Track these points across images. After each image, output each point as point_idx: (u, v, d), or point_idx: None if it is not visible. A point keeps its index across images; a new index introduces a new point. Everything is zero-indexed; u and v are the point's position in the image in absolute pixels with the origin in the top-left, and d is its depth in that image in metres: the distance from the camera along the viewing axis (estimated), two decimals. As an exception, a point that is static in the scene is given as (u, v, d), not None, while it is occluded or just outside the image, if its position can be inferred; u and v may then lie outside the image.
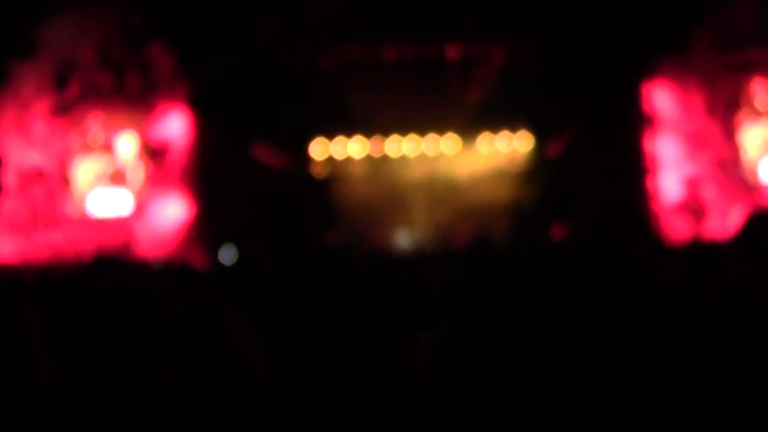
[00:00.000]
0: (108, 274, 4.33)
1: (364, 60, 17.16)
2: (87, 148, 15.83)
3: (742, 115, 15.35)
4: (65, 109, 15.70)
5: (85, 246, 15.07)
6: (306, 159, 18.78)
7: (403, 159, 19.11)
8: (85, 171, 15.81)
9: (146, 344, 3.53)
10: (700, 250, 4.63)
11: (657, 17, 14.26)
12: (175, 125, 15.86)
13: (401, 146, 18.95)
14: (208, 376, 3.16)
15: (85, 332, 3.88)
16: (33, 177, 15.62)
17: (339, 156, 18.98)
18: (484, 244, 7.14)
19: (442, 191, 19.02)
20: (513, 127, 18.47)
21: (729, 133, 15.42)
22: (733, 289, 3.14)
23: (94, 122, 15.82)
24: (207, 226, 15.77)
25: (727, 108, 15.41)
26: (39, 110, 15.61)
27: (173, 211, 15.77)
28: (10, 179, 15.52)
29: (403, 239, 17.80)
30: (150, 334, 3.54)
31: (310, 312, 4.45)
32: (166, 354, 3.25)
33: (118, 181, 15.85)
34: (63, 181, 15.73)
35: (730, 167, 15.35)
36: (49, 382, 3.24)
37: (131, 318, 3.67)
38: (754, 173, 15.21)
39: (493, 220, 17.43)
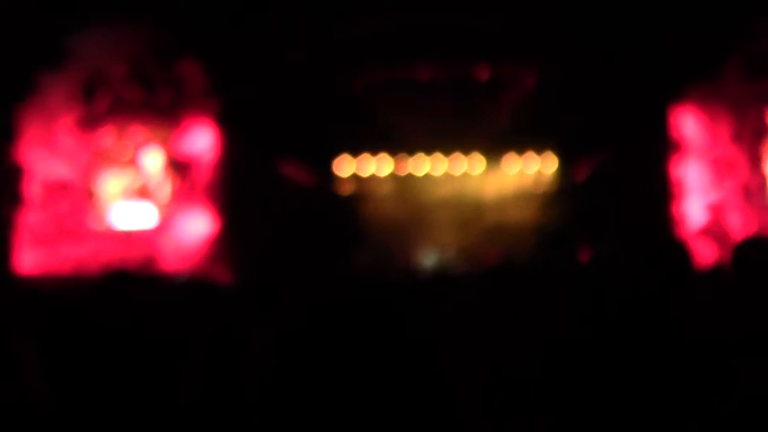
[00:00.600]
0: (127, 289, 4.33)
1: (393, 79, 17.11)
2: (113, 162, 15.85)
3: (768, 143, 15.11)
4: (92, 122, 15.71)
5: (110, 259, 14.83)
6: (332, 176, 18.77)
7: (428, 178, 19.07)
8: (110, 184, 15.84)
9: (167, 359, 3.73)
10: (721, 276, 4.69)
11: (686, 43, 14.20)
12: (202, 140, 15.81)
13: (427, 165, 18.95)
14: (229, 393, 3.30)
15: (103, 345, 3.98)
16: (58, 189, 15.62)
17: (364, 174, 18.97)
18: (509, 265, 7.08)
19: (467, 211, 18.92)
20: (539, 149, 18.48)
21: (755, 160, 15.25)
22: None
23: (121, 136, 15.85)
24: (232, 242, 15.67)
25: (754, 136, 15.24)
26: (66, 122, 15.62)
27: (198, 226, 15.69)
28: (35, 191, 15.49)
29: (428, 259, 17.62)
30: (171, 349, 3.76)
31: (332, 332, 4.22)
32: (188, 369, 3.42)
33: (144, 195, 15.86)
34: (88, 194, 15.74)
35: (754, 195, 15.19)
36: (41, 397, 3.24)
37: (151, 332, 3.92)
38: (780, 202, 14.94)
39: (518, 241, 17.39)
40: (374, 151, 18.94)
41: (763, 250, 3.59)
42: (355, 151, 18.85)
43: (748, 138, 15.29)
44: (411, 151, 18.93)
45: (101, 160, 15.84)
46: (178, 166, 15.86)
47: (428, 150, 18.89)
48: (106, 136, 15.82)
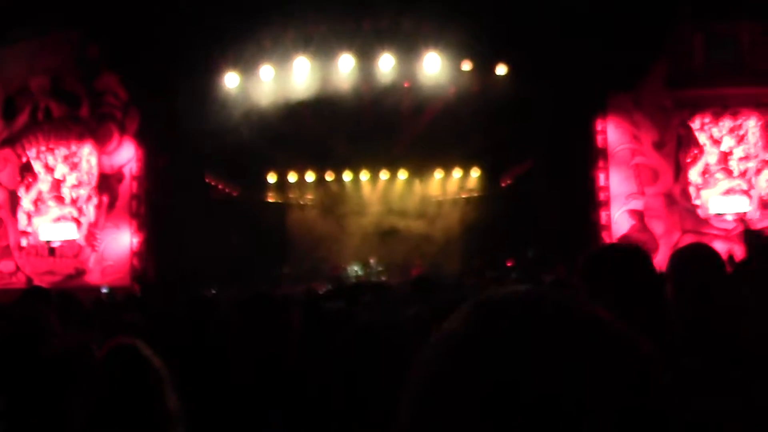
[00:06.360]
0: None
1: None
2: (36, 177, 15.80)
3: (690, 150, 15.52)
4: (15, 139, 15.69)
5: (36, 273, 15.17)
6: (259, 189, 19.00)
7: (357, 192, 19.42)
8: (34, 199, 15.78)
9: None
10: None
11: (610, 56, 14.34)
12: (127, 155, 15.77)
13: (355, 179, 19.33)
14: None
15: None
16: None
17: (292, 187, 19.37)
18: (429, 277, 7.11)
19: (392, 221, 19.07)
20: (466, 160, 18.65)
21: (677, 167, 15.57)
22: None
23: (45, 151, 15.79)
24: (158, 255, 15.73)
25: (676, 143, 15.57)
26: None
27: (123, 240, 15.63)
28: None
29: (354, 271, 17.59)
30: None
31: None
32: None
33: (68, 210, 15.76)
34: (12, 209, 15.70)
35: (678, 200, 15.50)
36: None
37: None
38: (703, 206, 15.39)
39: (444, 251, 17.56)
40: (302, 168, 19.24)
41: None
42: (283, 167, 19.10)
43: (671, 145, 15.59)
44: (339, 169, 19.28)
45: (25, 175, 15.79)
46: (102, 180, 15.73)
47: (356, 167, 19.18)
48: (29, 150, 15.75)
